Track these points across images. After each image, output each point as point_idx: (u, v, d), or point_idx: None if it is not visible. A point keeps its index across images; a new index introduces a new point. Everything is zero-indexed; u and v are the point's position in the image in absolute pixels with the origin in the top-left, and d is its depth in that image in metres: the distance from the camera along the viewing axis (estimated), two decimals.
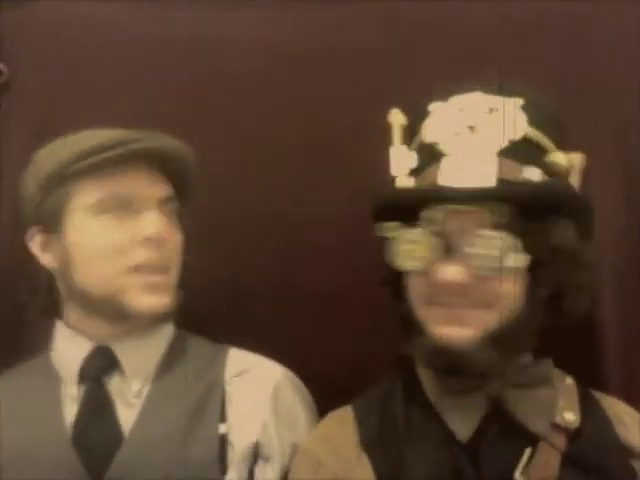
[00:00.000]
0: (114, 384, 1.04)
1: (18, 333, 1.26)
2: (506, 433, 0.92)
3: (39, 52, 1.32)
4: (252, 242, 1.26)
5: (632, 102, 1.23)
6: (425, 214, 0.90)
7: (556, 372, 1.00)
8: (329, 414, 1.04)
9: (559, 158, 0.93)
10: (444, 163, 0.92)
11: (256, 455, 1.02)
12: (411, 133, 1.00)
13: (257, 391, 1.05)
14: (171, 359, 1.07)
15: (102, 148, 1.00)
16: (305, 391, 1.12)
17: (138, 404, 1.03)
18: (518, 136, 0.92)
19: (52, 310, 1.09)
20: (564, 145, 0.96)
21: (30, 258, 1.07)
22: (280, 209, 1.28)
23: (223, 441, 1.01)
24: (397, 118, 1.01)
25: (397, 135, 1.00)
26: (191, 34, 1.31)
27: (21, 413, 1.03)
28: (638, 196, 1.22)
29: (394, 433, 0.95)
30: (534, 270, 0.90)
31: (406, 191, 0.96)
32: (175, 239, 1.06)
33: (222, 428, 1.02)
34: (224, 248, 1.17)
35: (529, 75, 1.21)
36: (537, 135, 0.93)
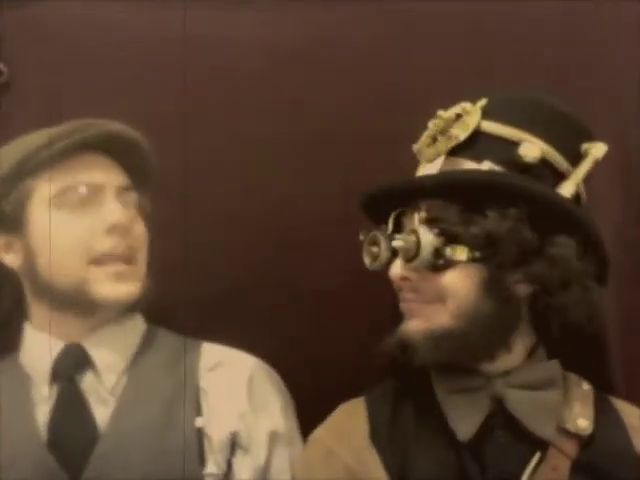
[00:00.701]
0: (87, 381, 1.03)
1: None
2: (512, 435, 0.92)
3: (39, 52, 1.32)
4: (252, 242, 1.26)
5: (632, 102, 1.23)
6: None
7: (572, 377, 1.00)
8: (341, 406, 1.04)
9: (524, 150, 0.92)
10: (419, 170, 0.99)
11: (234, 446, 1.03)
12: None
13: (232, 383, 1.06)
14: (144, 354, 1.07)
15: (56, 139, 1.01)
16: (279, 380, 1.12)
17: (112, 400, 1.02)
18: (465, 134, 0.94)
19: (18, 312, 1.08)
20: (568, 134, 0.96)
21: None
22: (280, 209, 1.27)
23: (200, 434, 1.01)
24: None
25: None
26: (191, 34, 1.31)
27: None
28: (638, 196, 1.22)
29: (403, 430, 0.96)
30: (487, 265, 0.90)
31: (364, 194, 1.02)
32: (139, 228, 1.06)
33: (198, 421, 1.02)
34: (224, 248, 1.17)
35: (529, 75, 1.21)
36: (496, 128, 0.94)
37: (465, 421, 0.93)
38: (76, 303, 1.02)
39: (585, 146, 0.96)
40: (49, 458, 0.97)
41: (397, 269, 0.94)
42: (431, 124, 0.98)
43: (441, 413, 0.95)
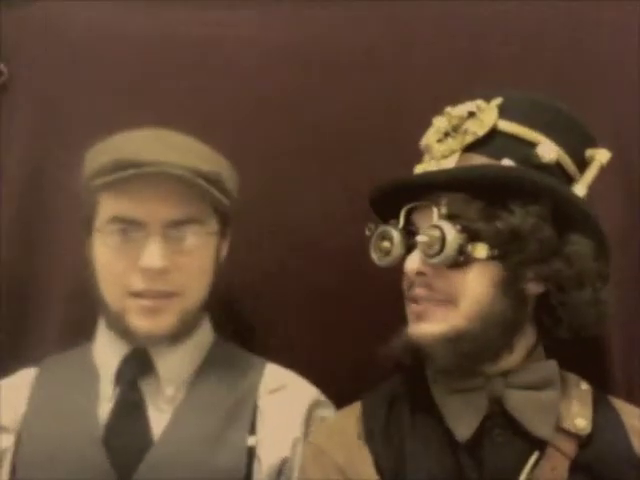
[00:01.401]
0: (149, 388, 1.04)
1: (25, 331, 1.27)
2: (510, 435, 0.92)
3: (39, 52, 1.32)
4: (252, 242, 1.26)
5: (631, 102, 1.23)
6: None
7: (571, 377, 1.00)
8: (339, 411, 1.05)
9: (542, 150, 0.92)
10: (425, 163, 0.98)
11: (281, 472, 1.02)
12: None
13: (291, 408, 1.06)
14: (208, 368, 1.08)
15: (117, 166, 0.98)
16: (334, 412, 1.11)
17: (170, 409, 1.03)
18: (483, 131, 0.93)
19: (96, 306, 1.09)
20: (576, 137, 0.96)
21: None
22: (280, 209, 1.27)
23: (250, 453, 1.01)
24: None
25: None
26: (191, 34, 1.31)
27: (57, 405, 1.04)
28: (637, 196, 1.22)
29: (399, 430, 0.96)
30: (506, 263, 0.90)
31: (375, 188, 1.01)
32: (189, 264, 1.02)
33: (251, 440, 1.02)
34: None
35: (529, 75, 1.21)
36: (514, 128, 0.94)
37: (463, 421, 0.92)
38: (117, 327, 1.04)
39: (590, 152, 0.97)
40: (103, 457, 0.98)
41: (415, 263, 0.92)
42: (439, 120, 0.97)
43: (438, 413, 0.95)
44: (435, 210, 0.92)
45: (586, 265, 0.90)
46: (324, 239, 1.26)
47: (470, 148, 0.94)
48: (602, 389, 1.02)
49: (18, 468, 1.00)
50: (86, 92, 1.30)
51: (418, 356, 0.92)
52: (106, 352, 1.07)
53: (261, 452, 1.02)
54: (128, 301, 1.01)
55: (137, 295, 1.00)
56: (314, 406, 1.08)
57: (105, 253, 1.02)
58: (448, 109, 0.97)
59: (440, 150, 0.96)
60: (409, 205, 0.96)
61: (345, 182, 1.26)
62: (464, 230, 0.90)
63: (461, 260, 0.90)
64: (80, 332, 1.11)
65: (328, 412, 1.09)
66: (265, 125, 1.29)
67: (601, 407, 0.97)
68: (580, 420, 0.93)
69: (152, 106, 1.28)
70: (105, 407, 1.03)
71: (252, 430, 1.03)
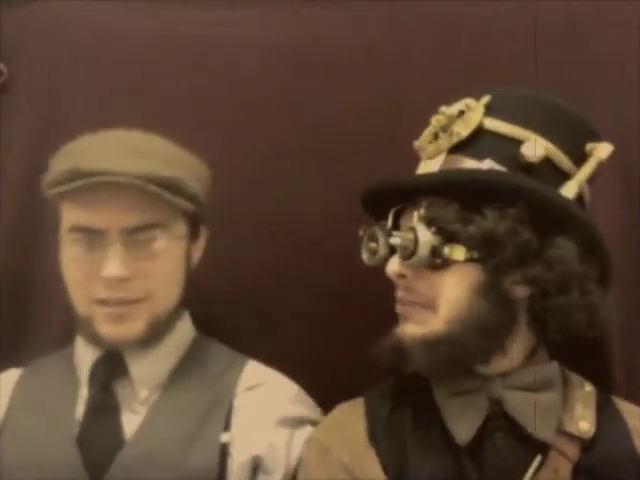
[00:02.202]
0: (123, 390, 1.04)
1: (23, 331, 1.27)
2: (512, 438, 0.91)
3: (39, 52, 1.32)
4: (252, 242, 1.26)
5: (631, 102, 1.23)
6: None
7: (575, 378, 0.99)
8: (340, 405, 1.04)
9: (526, 149, 0.91)
10: (420, 167, 0.98)
11: (256, 469, 1.02)
12: None
13: (266, 406, 1.05)
14: (184, 367, 1.08)
15: (70, 175, 0.97)
16: (317, 411, 1.11)
17: (144, 411, 1.03)
18: (467, 131, 0.93)
19: None
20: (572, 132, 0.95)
21: None
22: (280, 209, 1.27)
23: (224, 450, 1.01)
24: None
25: None
26: (191, 34, 1.31)
27: (37, 406, 1.05)
28: (637, 196, 1.22)
29: (401, 431, 0.96)
30: (485, 266, 0.89)
31: (366, 189, 1.02)
32: (154, 270, 1.02)
33: (224, 437, 1.02)
34: (223, 248, 1.17)
35: (529, 75, 1.21)
36: (500, 126, 0.93)
37: (463, 424, 0.92)
38: (86, 332, 1.04)
39: (589, 146, 0.95)
40: (76, 456, 0.98)
41: (394, 265, 0.93)
42: (434, 120, 0.97)
43: (439, 415, 0.94)
44: (415, 213, 0.92)
45: (569, 268, 0.87)
46: (324, 239, 1.26)
47: (456, 149, 0.94)
48: (602, 389, 1.02)
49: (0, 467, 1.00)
50: (86, 92, 1.30)
51: (401, 357, 0.92)
52: (83, 354, 1.08)
53: (233, 449, 1.01)
54: (94, 308, 1.01)
55: (101, 303, 1.00)
56: (291, 404, 1.07)
57: (68, 261, 1.02)
58: (443, 108, 0.97)
59: (429, 151, 0.96)
60: (396, 207, 0.97)
61: (345, 182, 1.25)
62: (440, 232, 0.89)
63: (438, 262, 0.89)
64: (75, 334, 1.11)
65: (307, 410, 1.09)
66: (265, 125, 1.29)
67: (604, 409, 0.96)
68: (583, 423, 0.92)
69: (152, 106, 1.28)
70: (81, 409, 1.03)
71: (226, 427, 1.02)
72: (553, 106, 0.96)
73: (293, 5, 1.30)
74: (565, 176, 0.94)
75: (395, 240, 0.93)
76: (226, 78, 1.31)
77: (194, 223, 1.08)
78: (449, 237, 0.89)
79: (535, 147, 0.91)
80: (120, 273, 0.98)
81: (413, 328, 0.92)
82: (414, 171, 1.01)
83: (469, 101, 0.95)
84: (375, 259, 0.97)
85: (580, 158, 0.94)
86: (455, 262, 0.89)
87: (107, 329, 1.01)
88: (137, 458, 0.98)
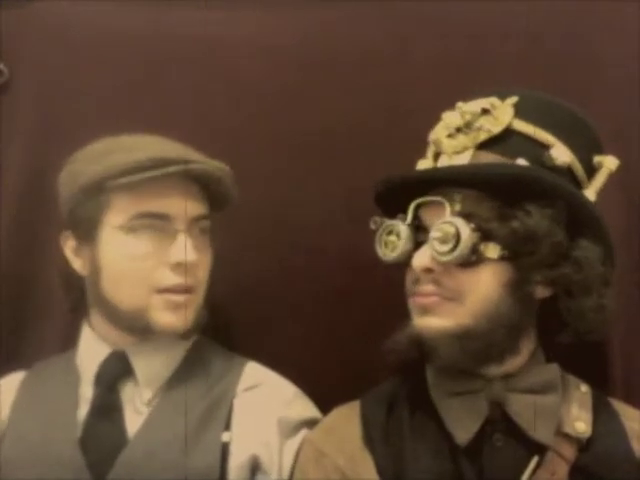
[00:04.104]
0: (127, 390, 1.05)
1: (22, 332, 1.27)
2: (510, 439, 0.91)
3: (39, 52, 1.32)
4: (252, 242, 1.26)
5: (632, 102, 1.23)
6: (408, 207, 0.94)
7: (571, 379, 0.99)
8: (336, 408, 1.04)
9: (556, 153, 0.92)
10: (440, 161, 0.96)
11: (255, 468, 1.02)
12: None
13: (264, 406, 1.05)
14: (186, 368, 1.08)
15: (140, 167, 0.98)
16: (315, 412, 1.11)
17: (146, 411, 1.03)
18: (499, 129, 0.93)
19: (81, 309, 1.10)
20: (585, 140, 0.96)
21: (64, 258, 1.08)
22: (281, 210, 1.27)
23: (225, 449, 1.01)
24: None
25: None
26: (192, 35, 1.31)
27: (39, 408, 1.05)
28: (637, 196, 1.22)
29: (398, 433, 0.95)
30: (516, 264, 0.89)
31: (384, 180, 0.99)
32: (205, 261, 1.06)
33: (225, 436, 1.02)
34: (223, 248, 1.17)
35: (529, 75, 1.21)
36: (529, 128, 0.93)
37: (463, 425, 0.92)
38: (134, 325, 1.03)
39: (597, 158, 0.96)
40: (79, 457, 0.99)
41: (424, 259, 0.90)
42: (449, 115, 0.96)
43: (437, 416, 0.94)
44: (448, 206, 0.90)
45: (594, 271, 0.90)
46: (324, 239, 1.26)
47: (483, 146, 0.93)
48: (601, 390, 1.02)
49: (1, 469, 1.01)
50: (86, 92, 1.30)
51: (422, 351, 0.91)
52: (87, 355, 1.08)
53: (233, 448, 1.02)
54: (152, 298, 1.01)
55: (164, 291, 1.01)
56: (289, 404, 1.07)
57: (129, 252, 1.00)
58: (459, 104, 0.96)
59: (451, 146, 0.95)
60: (419, 200, 0.94)
61: (345, 182, 1.26)
62: (477, 229, 0.89)
63: (473, 259, 0.89)
64: (79, 333, 1.11)
65: (305, 411, 1.09)
66: (265, 125, 1.29)
67: (601, 409, 0.96)
68: (580, 424, 0.93)
69: (152, 106, 1.28)
70: (84, 409, 1.04)
71: (227, 426, 1.03)
72: (574, 114, 0.97)
73: (293, 5, 1.30)
74: (579, 185, 0.95)
75: (436, 234, 0.89)
76: (226, 78, 1.31)
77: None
78: (484, 234, 0.89)
79: (563, 152, 0.92)
80: (192, 258, 1.00)
81: (438, 321, 0.90)
82: (417, 167, 1.01)
83: (493, 100, 0.95)
84: (394, 254, 0.95)
85: (589, 168, 0.96)
86: (487, 260, 0.89)
87: (165, 317, 1.01)
88: (139, 458, 0.99)
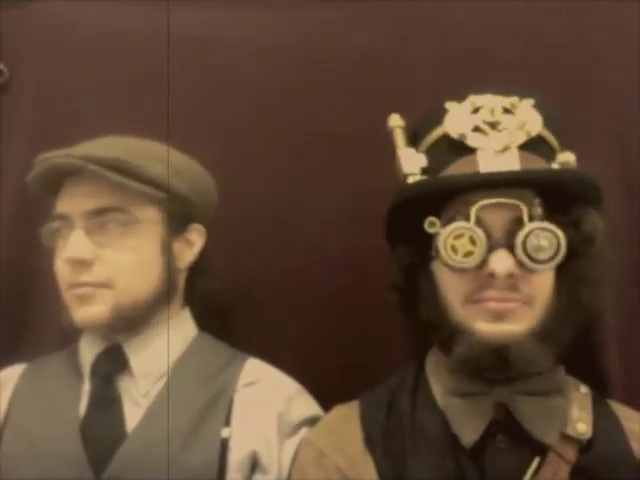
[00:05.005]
0: (124, 382, 1.05)
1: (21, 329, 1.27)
2: (513, 441, 0.91)
3: (39, 52, 1.32)
4: (252, 242, 1.26)
5: (632, 102, 1.23)
6: (458, 209, 0.90)
7: (570, 380, 0.99)
8: (335, 408, 1.04)
9: (568, 158, 0.95)
10: (480, 155, 0.92)
11: (254, 465, 1.02)
12: (414, 136, 1.01)
13: (264, 402, 1.05)
14: (186, 362, 1.08)
15: (42, 162, 1.03)
16: (317, 409, 1.10)
17: (146, 403, 1.03)
18: (535, 132, 0.94)
19: None
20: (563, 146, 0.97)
21: None
22: (281, 210, 1.27)
23: (224, 445, 1.01)
24: (397, 121, 1.03)
25: (400, 137, 1.02)
26: (192, 35, 1.31)
27: (39, 403, 1.05)
28: (638, 197, 1.22)
29: (399, 433, 0.95)
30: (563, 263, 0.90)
31: (447, 179, 0.93)
32: (115, 257, 1.02)
33: (225, 432, 1.02)
34: (223, 248, 1.17)
35: (529, 75, 1.21)
36: (548, 134, 0.95)
37: (469, 426, 0.91)
38: (66, 322, 1.05)
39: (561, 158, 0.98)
40: (80, 450, 0.99)
41: (509, 265, 0.87)
42: (464, 108, 0.96)
43: (438, 417, 0.94)
44: (525, 211, 0.88)
45: (603, 243, 0.93)
46: (324, 239, 1.26)
47: (522, 146, 0.93)
48: (601, 391, 1.02)
49: (1, 463, 1.01)
50: (86, 92, 1.30)
51: (497, 356, 0.88)
52: (85, 350, 1.09)
53: (232, 444, 1.02)
54: (66, 295, 1.03)
55: (71, 286, 1.02)
56: (290, 400, 1.07)
57: (57, 253, 1.05)
58: (474, 98, 0.96)
59: (492, 144, 0.92)
60: (484, 202, 0.88)
61: (345, 182, 1.26)
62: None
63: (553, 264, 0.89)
64: (79, 333, 1.11)
65: (306, 407, 1.08)
66: (265, 125, 1.29)
67: (600, 411, 0.96)
68: (581, 425, 0.93)
69: (152, 106, 1.28)
70: (85, 403, 1.04)
71: (227, 422, 1.03)
72: (555, 112, 0.98)
73: (293, 5, 1.30)
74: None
75: (543, 242, 0.87)
76: (226, 78, 1.30)
77: (175, 216, 1.07)
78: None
79: (572, 158, 0.95)
80: (77, 255, 1.00)
81: (515, 326, 0.89)
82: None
83: (514, 100, 0.95)
84: (472, 262, 0.88)
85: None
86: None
87: (78, 312, 1.02)
88: (138, 452, 0.99)
